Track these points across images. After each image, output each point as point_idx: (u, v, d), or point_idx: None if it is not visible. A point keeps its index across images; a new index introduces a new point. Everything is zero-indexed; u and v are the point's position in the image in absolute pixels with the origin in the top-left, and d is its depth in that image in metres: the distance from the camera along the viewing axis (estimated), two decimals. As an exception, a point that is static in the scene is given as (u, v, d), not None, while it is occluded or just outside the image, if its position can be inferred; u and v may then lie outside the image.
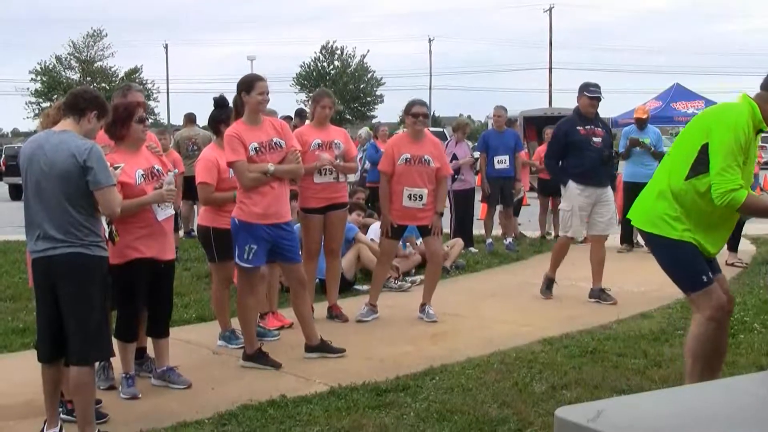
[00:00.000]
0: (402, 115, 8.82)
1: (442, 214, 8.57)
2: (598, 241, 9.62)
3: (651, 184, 5.50)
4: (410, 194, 8.25)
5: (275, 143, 6.82)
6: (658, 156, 13.00)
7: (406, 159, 8.23)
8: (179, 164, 11.60)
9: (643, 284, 10.21)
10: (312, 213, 8.27)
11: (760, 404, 2.30)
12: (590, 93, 9.36)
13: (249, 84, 6.74)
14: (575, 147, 9.23)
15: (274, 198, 6.79)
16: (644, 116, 13.19)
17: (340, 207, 8.41)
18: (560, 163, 9.53)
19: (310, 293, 8.56)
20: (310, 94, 69.75)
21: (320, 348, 7.06)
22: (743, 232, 11.63)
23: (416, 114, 8.33)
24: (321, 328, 7.54)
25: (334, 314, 8.52)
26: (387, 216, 8.34)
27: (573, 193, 9.29)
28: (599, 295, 9.38)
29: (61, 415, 5.38)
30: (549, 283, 9.65)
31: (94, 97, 5.26)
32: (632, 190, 12.88)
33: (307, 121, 10.97)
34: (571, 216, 9.34)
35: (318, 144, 8.16)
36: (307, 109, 9.79)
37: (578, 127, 9.28)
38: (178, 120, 74.69)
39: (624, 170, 13.43)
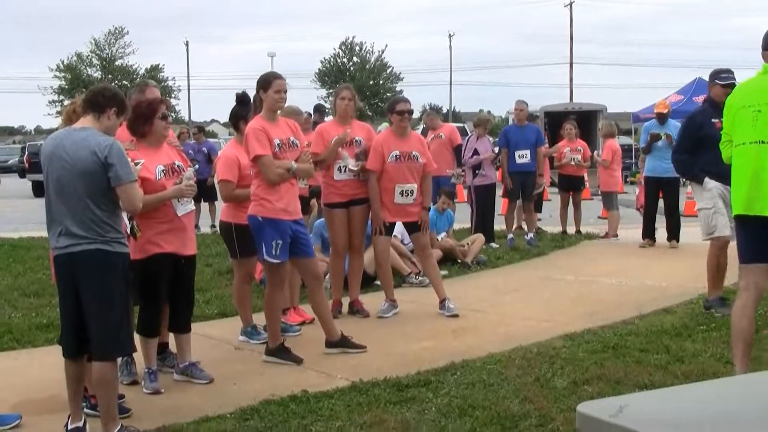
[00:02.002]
0: (386, 113, 8.80)
1: (428, 209, 8.68)
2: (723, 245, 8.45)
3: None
4: (402, 190, 8.31)
5: (292, 142, 6.86)
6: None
7: (396, 156, 8.27)
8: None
9: (665, 279, 10.17)
10: (335, 208, 8.30)
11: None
12: (723, 80, 8.45)
13: (267, 82, 6.77)
14: (711, 141, 7.65)
15: (293, 195, 6.86)
16: (665, 111, 13.09)
17: (361, 202, 8.42)
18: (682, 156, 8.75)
19: (339, 290, 8.61)
20: (331, 90, 70.05)
21: (341, 343, 7.07)
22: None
23: (402, 111, 8.38)
24: (342, 324, 7.56)
25: (355, 309, 8.53)
26: (378, 214, 8.34)
27: (713, 191, 8.31)
28: (717, 304, 8.31)
29: (85, 410, 5.41)
30: (722, 302, 8.30)
31: (114, 94, 5.29)
32: (654, 185, 12.86)
33: (329, 118, 10.99)
34: (714, 214, 8.33)
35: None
36: (327, 105, 9.77)
37: (714, 120, 8.14)
38: (198, 117, 75.31)
39: (645, 165, 13.36)
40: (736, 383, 3.14)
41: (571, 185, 14.78)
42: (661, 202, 13.08)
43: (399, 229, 10.80)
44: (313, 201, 9.89)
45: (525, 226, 13.94)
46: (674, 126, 13.00)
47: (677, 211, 13.02)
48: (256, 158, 6.72)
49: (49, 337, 7.35)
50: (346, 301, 8.62)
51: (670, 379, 5.94)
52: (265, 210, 6.69)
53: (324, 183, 8.38)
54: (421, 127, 20.55)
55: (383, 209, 8.35)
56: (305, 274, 7.14)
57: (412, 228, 8.61)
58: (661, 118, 12.95)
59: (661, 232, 13.08)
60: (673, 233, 12.91)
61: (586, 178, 16.02)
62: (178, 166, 6.18)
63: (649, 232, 13.12)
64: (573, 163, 14.60)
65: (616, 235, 13.98)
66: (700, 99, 29.65)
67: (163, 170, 6.02)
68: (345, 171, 8.18)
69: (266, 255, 6.72)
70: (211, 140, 18.88)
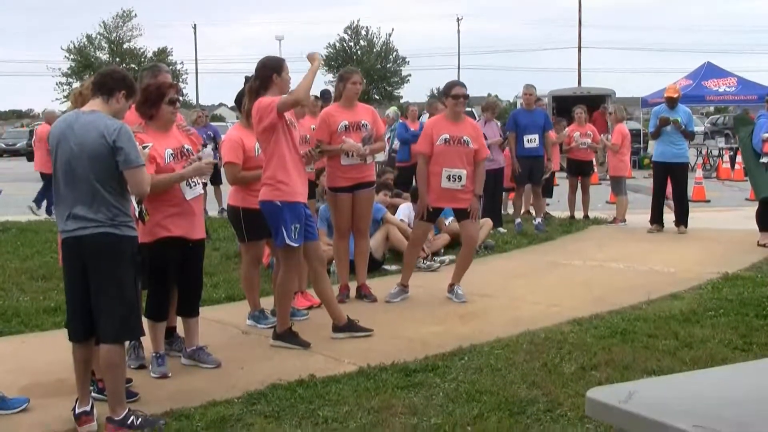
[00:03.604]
0: (441, 97, 8.65)
1: (480, 197, 8.49)
2: None
3: None
4: (449, 175, 8.15)
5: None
6: (689, 135, 12.89)
7: (445, 139, 8.15)
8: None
9: (673, 265, 10.15)
10: (340, 192, 8.27)
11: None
12: None
13: (279, 65, 6.76)
14: None
15: (305, 177, 6.89)
16: (675, 95, 13.04)
17: (367, 186, 8.39)
18: None
19: (345, 272, 8.58)
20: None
21: (348, 328, 7.06)
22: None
23: (457, 95, 8.24)
24: (349, 308, 7.55)
25: (363, 294, 8.52)
26: (424, 198, 8.26)
27: None
28: None
29: (93, 394, 5.41)
30: None
31: (123, 77, 5.27)
32: (662, 170, 12.82)
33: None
34: None
35: (345, 126, 8.14)
36: (332, 90, 9.69)
37: None
38: (206, 101, 75.30)
39: (654, 150, 13.31)
40: (747, 369, 3.12)
41: (579, 170, 14.73)
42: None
43: (405, 212, 10.82)
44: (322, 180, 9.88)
45: (533, 211, 13.91)
46: (684, 111, 12.96)
47: (686, 196, 12.98)
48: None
49: (57, 321, 7.35)
50: (353, 286, 8.60)
51: (679, 364, 5.94)
52: (283, 194, 6.65)
53: (329, 167, 8.33)
54: (425, 114, 20.56)
55: (429, 193, 8.27)
56: (310, 259, 7.11)
57: (460, 215, 8.45)
58: (671, 103, 12.89)
59: (669, 217, 13.03)
60: (682, 218, 12.87)
61: (595, 162, 15.96)
62: (188, 149, 6.17)
63: (657, 217, 13.08)
64: (581, 146, 14.55)
65: (624, 221, 13.95)
66: (709, 83, 29.80)
67: (172, 154, 6.02)
68: (352, 156, 8.15)
69: (288, 239, 6.68)
70: (214, 124, 18.82)
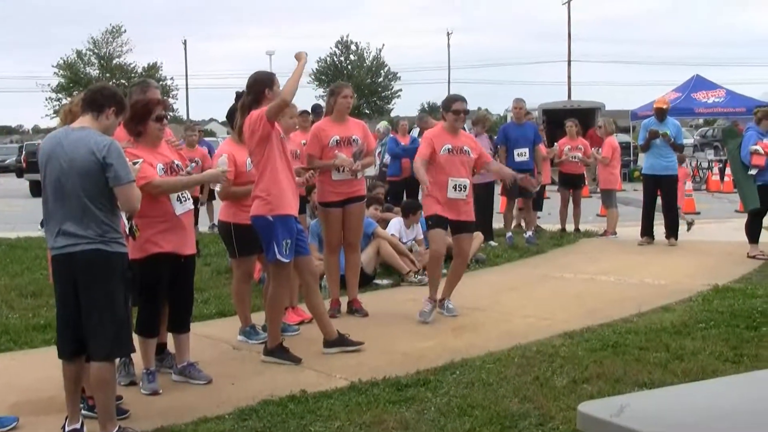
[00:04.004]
0: (441, 111, 8.49)
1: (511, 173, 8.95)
2: None
3: None
4: (455, 185, 8.08)
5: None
6: (678, 148, 12.95)
7: (449, 149, 8.10)
8: (207, 160, 11.66)
9: (664, 277, 10.17)
10: (331, 207, 8.26)
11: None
12: None
13: (271, 80, 6.79)
14: None
15: (295, 191, 6.88)
16: (664, 106, 13.12)
17: (357, 200, 8.40)
18: None
19: (336, 287, 8.56)
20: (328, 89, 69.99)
21: (339, 342, 7.05)
22: (765, 225, 11.53)
23: (458, 111, 8.21)
24: (341, 323, 7.54)
25: (354, 309, 8.51)
26: (424, 180, 7.91)
27: None
28: None
29: (83, 411, 5.39)
30: None
31: (113, 93, 5.27)
32: (651, 183, 12.87)
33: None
34: None
35: (336, 141, 8.15)
36: (323, 104, 9.68)
37: None
38: (196, 116, 75.32)
39: (643, 163, 13.36)
40: (738, 382, 3.12)
41: (571, 183, 14.76)
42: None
43: (396, 227, 10.82)
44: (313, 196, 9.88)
45: (524, 224, 13.93)
46: (672, 124, 13.01)
47: (675, 208, 13.01)
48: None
49: (47, 338, 7.33)
50: (343, 301, 8.59)
51: (670, 377, 5.94)
52: (274, 207, 6.63)
53: (319, 181, 8.32)
54: (416, 128, 20.59)
55: (436, 203, 8.11)
56: (303, 273, 7.11)
57: (459, 228, 8.30)
58: (660, 115, 12.95)
59: (659, 230, 13.06)
60: (672, 231, 12.91)
61: (586, 176, 16.02)
62: (177, 165, 6.16)
63: (647, 230, 13.10)
64: (572, 159, 14.59)
65: (615, 233, 13.98)
66: (698, 96, 29.92)
67: (163, 169, 6.01)
68: (343, 171, 8.15)
69: (279, 255, 6.67)
70: (207, 139, 18.87)
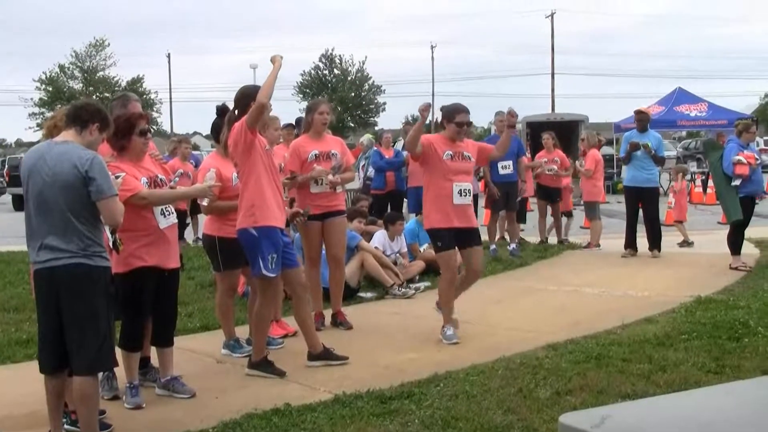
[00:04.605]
0: (442, 121, 8.07)
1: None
2: None
3: None
4: (460, 189, 7.81)
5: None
6: (659, 160, 13.02)
7: (450, 155, 7.84)
8: (194, 174, 11.62)
9: (647, 289, 10.21)
10: (310, 220, 8.25)
11: (763, 408, 2.29)
12: None
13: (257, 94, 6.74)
14: None
15: (280, 204, 6.87)
16: (645, 109, 13.32)
17: (337, 215, 8.41)
18: None
19: (318, 301, 8.55)
20: (312, 102, 69.95)
21: (323, 356, 7.05)
22: (747, 236, 11.61)
23: (461, 123, 7.91)
24: (325, 336, 7.54)
25: (338, 321, 8.50)
26: (419, 123, 7.67)
27: None
28: None
29: (65, 426, 5.38)
30: None
31: (97, 110, 5.28)
32: (633, 195, 12.94)
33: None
34: None
35: (315, 155, 8.19)
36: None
37: None
38: (180, 129, 75.11)
39: (625, 175, 13.43)
40: (718, 393, 3.14)
41: (547, 195, 14.83)
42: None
43: (380, 240, 10.83)
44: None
45: (508, 237, 13.96)
46: (654, 136, 13.10)
47: (657, 220, 13.07)
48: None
49: (29, 353, 7.29)
50: (327, 314, 8.58)
51: (653, 388, 5.95)
52: (258, 218, 6.63)
53: (298, 195, 8.33)
54: (400, 141, 20.61)
55: (437, 212, 7.80)
56: (292, 285, 7.11)
57: (468, 238, 7.95)
58: (642, 126, 13.04)
59: (643, 242, 13.12)
60: (654, 243, 12.96)
61: (569, 186, 16.05)
62: (161, 179, 6.16)
63: (630, 242, 13.16)
64: (548, 172, 14.66)
65: (599, 245, 14.02)
66: (680, 108, 30.12)
67: (146, 183, 6.00)
68: (321, 183, 8.17)
69: (265, 270, 6.67)
70: (194, 152, 18.82)
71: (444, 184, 7.81)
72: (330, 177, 8.16)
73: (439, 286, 8.12)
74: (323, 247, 8.49)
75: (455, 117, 7.93)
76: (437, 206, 7.82)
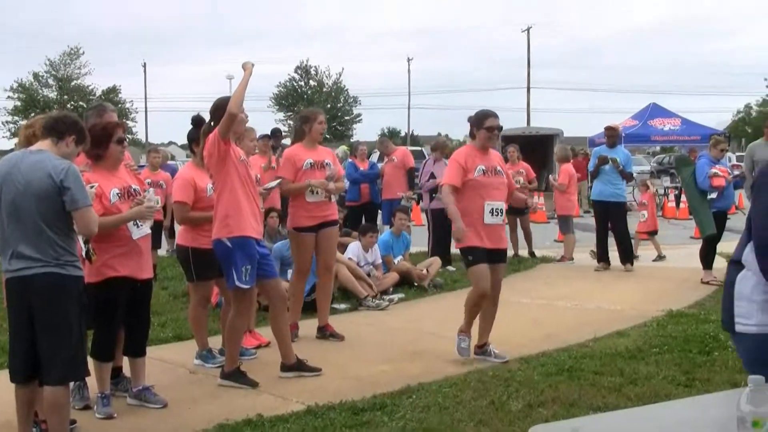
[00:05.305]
0: (470, 130, 7.66)
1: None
2: None
3: None
4: (492, 209, 7.37)
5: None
6: (627, 176, 13.20)
7: (483, 170, 7.39)
8: (170, 184, 11.59)
9: (619, 302, 10.29)
10: (304, 232, 8.23)
11: (730, 421, 2.32)
12: None
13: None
14: None
15: (255, 214, 6.84)
16: (614, 126, 13.54)
17: (332, 224, 8.39)
18: None
19: (298, 313, 8.50)
20: (289, 114, 69.93)
21: (296, 367, 7.04)
22: (718, 251, 11.72)
23: (491, 128, 7.48)
24: (298, 347, 7.53)
25: (328, 333, 8.45)
26: (458, 221, 7.24)
27: None
28: None
29: (36, 436, 5.34)
30: None
31: (74, 122, 5.29)
32: (601, 209, 13.09)
33: (285, 141, 10.97)
34: None
35: (310, 164, 8.16)
36: (284, 128, 9.69)
37: None
38: (156, 139, 74.85)
39: (592, 189, 13.57)
40: (685, 405, 3.19)
41: (516, 210, 14.88)
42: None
43: (355, 251, 10.84)
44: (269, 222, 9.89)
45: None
46: (623, 152, 13.32)
47: (626, 234, 13.17)
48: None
49: (0, 362, 7.23)
50: (303, 325, 8.55)
51: (624, 401, 6.00)
52: (233, 229, 6.62)
53: (292, 206, 8.31)
54: (376, 153, 20.64)
55: (471, 232, 7.30)
56: (271, 296, 7.10)
57: (497, 257, 7.53)
58: (611, 141, 13.21)
59: (616, 255, 13.20)
60: (626, 256, 13.06)
61: (538, 201, 16.13)
62: (134, 189, 6.14)
63: (602, 256, 13.26)
64: (516, 184, 14.70)
65: (572, 259, 14.10)
66: (654, 123, 30.37)
67: (118, 193, 5.98)
68: (317, 193, 8.15)
69: (237, 281, 6.66)
70: (171, 162, 18.83)
71: (474, 202, 7.37)
72: (330, 185, 8.12)
73: (467, 297, 7.64)
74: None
75: (485, 122, 7.52)
76: (466, 224, 7.30)
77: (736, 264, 3.39)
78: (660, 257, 14.22)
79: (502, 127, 7.73)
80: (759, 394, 2.31)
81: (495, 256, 7.48)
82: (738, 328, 3.37)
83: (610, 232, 13.20)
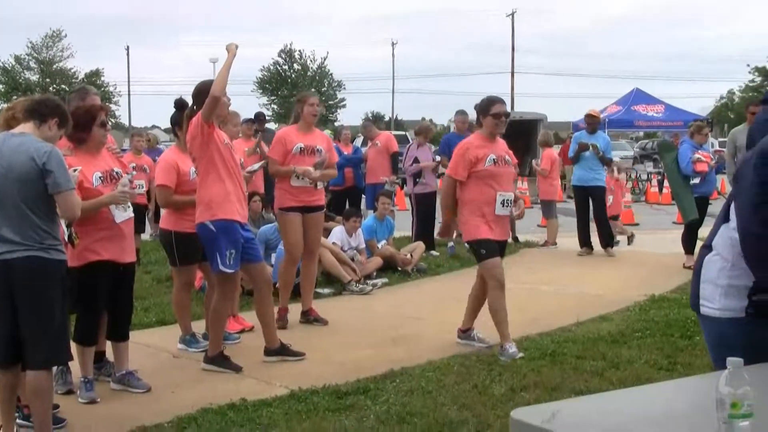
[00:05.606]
0: (477, 118, 7.50)
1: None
2: None
3: None
4: (504, 199, 7.20)
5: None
6: (606, 162, 13.30)
7: (494, 160, 7.20)
8: (153, 168, 11.55)
9: (602, 287, 10.35)
10: (289, 211, 8.20)
11: (710, 402, 2.35)
12: None
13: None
14: None
15: (240, 197, 6.82)
16: (595, 114, 13.54)
17: (316, 210, 8.38)
18: None
19: (287, 298, 8.46)
20: (273, 98, 69.69)
21: (280, 351, 7.05)
22: (700, 236, 11.78)
23: (498, 114, 7.27)
24: (283, 331, 7.55)
25: (311, 318, 8.46)
26: (446, 213, 7.35)
27: None
28: None
29: (18, 420, 5.33)
30: None
31: (57, 105, 5.26)
32: (582, 194, 13.20)
33: (269, 125, 10.92)
34: None
35: (300, 149, 8.12)
36: (267, 112, 9.66)
37: None
38: (139, 122, 74.53)
39: (573, 175, 13.65)
40: (666, 388, 3.21)
41: None
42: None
43: (339, 236, 10.84)
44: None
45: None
46: (603, 138, 13.42)
47: (606, 219, 13.27)
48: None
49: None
50: (296, 309, 8.54)
51: (606, 385, 6.04)
52: (216, 212, 6.60)
53: (278, 188, 8.29)
54: (359, 137, 20.60)
55: (484, 224, 7.17)
56: (256, 280, 7.09)
57: (501, 249, 7.45)
58: (592, 128, 13.29)
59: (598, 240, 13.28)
60: (606, 240, 13.15)
61: (521, 186, 16.18)
62: (117, 172, 6.12)
63: (585, 241, 13.33)
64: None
65: (555, 244, 14.16)
66: (637, 109, 30.45)
67: (100, 177, 5.96)
68: (302, 178, 8.11)
69: (221, 266, 6.65)
70: (159, 147, 18.73)
71: (485, 192, 7.19)
72: (313, 174, 8.06)
73: (489, 302, 7.33)
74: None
75: (491, 109, 7.31)
76: (476, 215, 7.19)
77: (707, 248, 3.43)
78: (629, 239, 14.19)
79: (509, 114, 7.53)
80: (737, 376, 2.34)
81: (500, 247, 7.41)
82: (703, 310, 3.42)
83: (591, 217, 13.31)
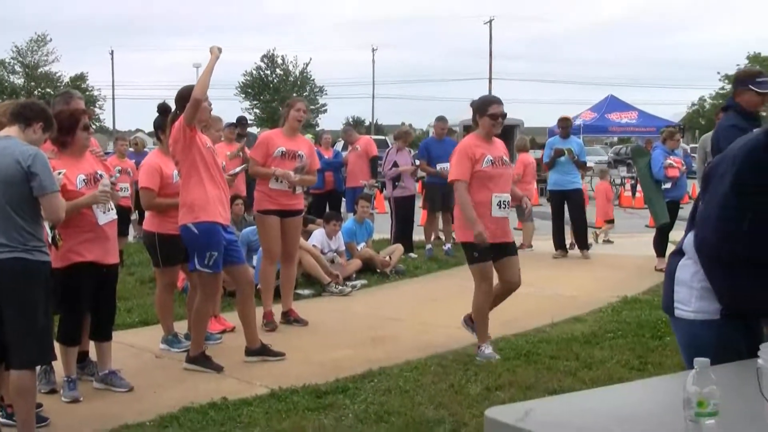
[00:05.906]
0: (473, 117, 7.34)
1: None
2: None
3: None
4: (500, 201, 7.09)
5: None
6: (582, 165, 13.52)
7: (491, 161, 7.09)
8: (135, 172, 11.58)
9: (577, 289, 10.49)
10: (268, 214, 8.26)
11: (679, 401, 2.43)
12: (761, 87, 6.53)
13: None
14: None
15: (221, 200, 6.88)
16: (568, 117, 13.84)
17: (295, 214, 8.45)
18: None
19: (271, 299, 8.49)
20: (254, 102, 69.33)
21: (260, 351, 7.14)
22: (671, 239, 11.95)
23: (495, 115, 7.15)
24: (264, 332, 7.62)
25: (291, 319, 8.53)
26: (478, 225, 6.91)
27: None
28: None
29: (1, 419, 5.39)
30: None
31: (42, 109, 5.34)
32: (558, 198, 13.42)
33: (251, 129, 10.98)
34: None
35: (282, 152, 8.19)
36: (249, 116, 9.71)
37: None
38: (123, 126, 73.96)
39: (549, 179, 13.83)
40: (637, 388, 3.31)
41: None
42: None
43: (319, 238, 10.93)
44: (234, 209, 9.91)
45: (443, 237, 14.16)
46: (576, 142, 13.67)
47: (583, 221, 13.45)
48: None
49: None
50: (277, 312, 8.60)
51: (579, 384, 6.14)
52: (199, 215, 6.67)
53: (257, 190, 8.36)
54: (340, 142, 20.68)
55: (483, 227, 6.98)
56: (239, 281, 7.17)
57: (504, 250, 7.26)
58: (564, 133, 13.52)
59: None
60: (582, 243, 13.35)
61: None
62: (101, 175, 6.18)
63: (560, 244, 13.51)
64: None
65: (531, 246, 14.29)
66: (612, 116, 30.68)
67: (84, 180, 6.02)
68: (281, 181, 8.19)
69: (199, 265, 6.72)
70: (147, 150, 18.64)
71: (481, 194, 7.06)
72: (292, 177, 8.13)
73: (474, 300, 7.29)
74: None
75: (488, 109, 7.19)
76: (480, 217, 7.01)
77: (679, 253, 3.51)
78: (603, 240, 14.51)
79: (506, 114, 7.34)
80: (704, 375, 2.40)
81: (504, 250, 7.23)
82: (677, 312, 3.48)
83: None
